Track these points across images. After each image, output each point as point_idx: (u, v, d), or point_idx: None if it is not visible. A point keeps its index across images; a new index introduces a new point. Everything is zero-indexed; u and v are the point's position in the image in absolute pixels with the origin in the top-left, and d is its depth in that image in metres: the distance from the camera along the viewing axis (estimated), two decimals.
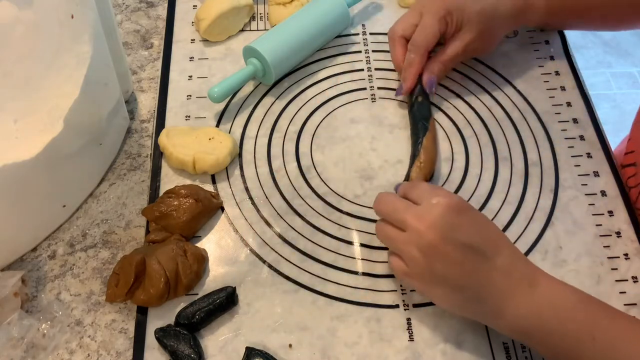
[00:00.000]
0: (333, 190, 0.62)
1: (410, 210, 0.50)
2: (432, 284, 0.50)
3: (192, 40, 0.75)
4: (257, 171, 0.64)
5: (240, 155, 0.65)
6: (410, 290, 0.56)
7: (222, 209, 0.61)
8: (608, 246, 0.59)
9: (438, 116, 0.68)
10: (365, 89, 0.70)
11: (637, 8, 0.66)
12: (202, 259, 0.56)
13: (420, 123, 0.64)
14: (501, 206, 0.61)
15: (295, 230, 0.60)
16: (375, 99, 0.70)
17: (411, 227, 0.49)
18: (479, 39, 0.65)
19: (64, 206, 0.61)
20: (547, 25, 0.72)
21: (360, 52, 0.74)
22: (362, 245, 0.59)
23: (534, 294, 0.48)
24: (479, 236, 0.49)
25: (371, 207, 0.61)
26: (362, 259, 0.58)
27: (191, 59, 0.73)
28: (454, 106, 0.69)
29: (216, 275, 0.57)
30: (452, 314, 0.54)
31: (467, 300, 0.49)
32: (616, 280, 0.57)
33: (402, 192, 0.54)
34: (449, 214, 0.49)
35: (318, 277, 0.57)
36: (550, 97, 0.70)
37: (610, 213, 0.61)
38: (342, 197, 0.62)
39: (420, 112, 0.65)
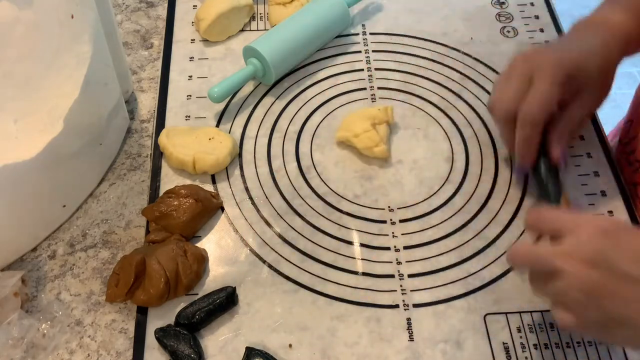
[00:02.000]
0: (333, 190, 0.62)
1: (556, 251, 0.43)
2: (610, 328, 0.42)
3: (192, 40, 0.74)
4: (257, 171, 0.64)
5: (240, 155, 0.65)
6: (411, 290, 0.56)
7: (222, 209, 0.61)
8: None
9: (438, 116, 0.68)
10: (365, 89, 0.70)
11: None
12: (202, 259, 0.56)
13: (552, 185, 0.57)
14: (501, 206, 0.61)
15: (295, 230, 0.60)
16: (375, 99, 0.70)
17: (563, 270, 0.42)
18: (601, 96, 0.58)
19: (64, 206, 0.61)
20: None
21: (360, 52, 0.74)
22: (362, 245, 0.59)
23: None
24: (632, 262, 0.41)
25: (371, 207, 0.61)
26: (362, 259, 0.58)
27: (191, 59, 0.73)
28: (454, 106, 0.69)
29: (216, 275, 0.57)
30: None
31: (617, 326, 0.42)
32: None
33: (533, 226, 0.47)
34: (601, 241, 0.42)
35: (318, 277, 0.57)
36: None
37: (610, 213, 0.61)
38: (342, 197, 0.62)
39: (550, 172, 0.57)
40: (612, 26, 0.57)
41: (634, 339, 0.43)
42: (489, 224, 0.60)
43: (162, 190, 0.61)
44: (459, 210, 0.61)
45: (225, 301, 0.54)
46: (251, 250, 0.58)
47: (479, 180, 0.63)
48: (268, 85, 0.70)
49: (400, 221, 0.60)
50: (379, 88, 0.70)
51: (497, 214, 0.61)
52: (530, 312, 0.55)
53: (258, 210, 0.61)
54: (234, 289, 0.55)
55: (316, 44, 0.72)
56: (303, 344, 0.53)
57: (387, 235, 0.59)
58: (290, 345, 0.53)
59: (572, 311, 0.43)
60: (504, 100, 0.55)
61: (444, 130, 0.67)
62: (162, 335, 0.52)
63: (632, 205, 0.61)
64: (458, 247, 0.59)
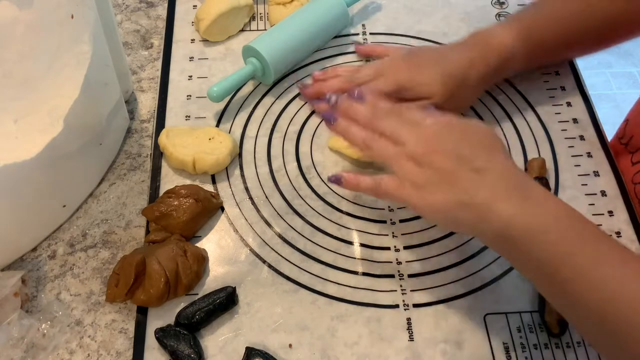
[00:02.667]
0: (333, 190, 0.62)
1: (407, 126, 0.51)
2: (423, 192, 0.48)
3: (192, 40, 0.75)
4: (257, 171, 0.64)
5: (240, 155, 0.65)
6: (411, 290, 0.56)
7: (222, 209, 0.61)
8: None
9: None
10: None
11: (614, 26, 0.65)
12: (202, 259, 0.56)
13: None
14: None
15: (295, 230, 0.60)
16: None
17: (406, 140, 0.50)
18: (447, 105, 0.61)
19: (64, 206, 0.61)
20: (526, 69, 0.68)
21: None
22: (362, 245, 0.59)
23: (524, 202, 0.46)
24: (468, 145, 0.49)
25: (371, 207, 0.61)
26: (362, 259, 0.58)
27: (191, 59, 0.73)
28: None
29: (216, 275, 0.57)
30: (443, 226, 0.53)
31: (456, 204, 0.47)
32: None
33: (393, 112, 0.53)
34: (442, 129, 0.50)
35: (318, 277, 0.57)
36: (550, 97, 0.70)
37: (610, 213, 0.61)
38: (342, 197, 0.62)
39: None
40: (499, 45, 0.61)
41: (438, 203, 0.48)
42: None
43: (162, 190, 0.61)
44: None
45: (225, 301, 0.54)
46: (251, 250, 0.58)
47: None
48: (268, 85, 0.70)
49: (400, 221, 0.60)
50: None
51: None
52: (530, 312, 0.55)
53: (258, 210, 0.61)
54: (234, 289, 0.55)
55: (315, 44, 0.72)
56: (303, 344, 0.53)
57: (387, 235, 0.59)
58: (290, 345, 0.53)
59: (398, 176, 0.50)
60: (347, 69, 0.66)
61: None
62: (162, 335, 0.52)
63: (631, 206, 0.61)
64: (458, 247, 0.59)
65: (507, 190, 0.46)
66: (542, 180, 0.61)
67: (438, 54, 0.63)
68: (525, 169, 0.63)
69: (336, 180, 0.54)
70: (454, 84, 0.60)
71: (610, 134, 0.68)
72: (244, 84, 0.69)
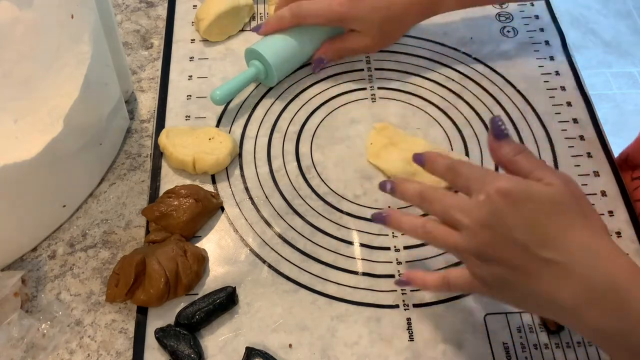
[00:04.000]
0: (333, 190, 0.62)
1: (459, 203, 0.44)
2: (495, 292, 0.44)
3: (192, 40, 0.75)
4: (257, 171, 0.64)
5: (240, 155, 0.65)
6: (411, 290, 0.56)
7: (222, 209, 0.61)
8: None
9: (438, 115, 0.68)
10: (365, 89, 0.70)
11: None
12: (202, 259, 0.56)
13: None
14: None
15: (295, 230, 0.60)
16: (375, 99, 0.70)
17: (461, 225, 0.43)
18: (379, 40, 0.68)
19: (64, 206, 0.61)
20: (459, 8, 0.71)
21: None
22: (362, 245, 0.59)
23: (613, 310, 0.39)
24: (535, 225, 0.41)
25: (371, 207, 0.61)
26: (362, 259, 0.58)
27: (191, 59, 0.73)
28: (454, 106, 0.69)
29: (216, 275, 0.57)
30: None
31: (538, 307, 0.43)
32: None
33: (449, 179, 0.47)
34: (499, 209, 0.41)
35: (318, 277, 0.57)
36: (550, 97, 0.70)
37: (611, 213, 0.61)
38: (342, 197, 0.62)
39: None
40: None
41: (521, 301, 0.44)
42: None
43: (162, 190, 0.61)
44: None
45: (225, 301, 0.54)
46: (251, 250, 0.58)
47: None
48: (269, 86, 0.70)
49: None
50: (379, 88, 0.70)
51: None
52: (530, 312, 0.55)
53: (258, 210, 0.61)
54: (234, 289, 0.55)
55: (317, 45, 0.72)
56: (303, 344, 0.53)
57: (387, 235, 0.59)
58: (290, 345, 0.53)
59: (467, 265, 0.45)
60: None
61: (444, 130, 0.67)
62: (162, 335, 0.52)
63: (631, 205, 0.61)
64: None
65: (593, 289, 0.40)
66: None
67: None
68: None
69: (404, 282, 0.50)
70: (388, 24, 0.65)
71: (610, 134, 0.68)
72: (246, 86, 0.69)
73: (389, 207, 0.60)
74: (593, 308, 0.40)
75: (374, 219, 0.51)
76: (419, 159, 0.50)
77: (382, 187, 0.51)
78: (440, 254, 0.58)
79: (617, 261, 0.41)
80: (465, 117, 0.68)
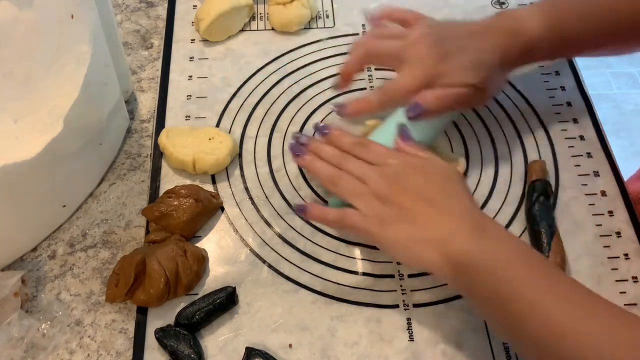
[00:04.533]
0: None
1: (371, 166, 0.53)
2: (385, 227, 0.50)
3: (192, 40, 0.75)
4: (257, 171, 0.64)
5: (240, 155, 0.65)
6: (411, 290, 0.56)
7: (222, 209, 0.61)
8: (608, 246, 0.59)
9: None
10: (365, 89, 0.70)
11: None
12: (202, 259, 0.56)
13: (544, 224, 0.58)
14: (501, 206, 0.61)
15: (295, 230, 0.60)
16: None
17: (370, 179, 0.52)
18: (477, 93, 0.59)
19: (64, 206, 0.61)
20: (550, 59, 0.67)
21: None
22: (362, 245, 0.59)
23: (482, 240, 0.47)
24: (430, 184, 0.50)
25: None
26: (362, 259, 0.58)
27: (191, 59, 0.73)
28: None
29: (216, 275, 0.57)
30: (404, 261, 0.53)
31: (417, 240, 0.48)
32: (616, 281, 0.57)
33: (357, 153, 0.55)
34: (405, 169, 0.52)
35: (318, 277, 0.57)
36: (550, 97, 0.70)
37: (610, 213, 0.61)
38: None
39: (542, 213, 0.59)
40: (528, 32, 0.59)
41: (399, 238, 0.49)
42: None
43: (162, 190, 0.61)
44: None
45: (225, 301, 0.54)
46: (251, 250, 0.58)
47: (478, 181, 0.63)
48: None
49: None
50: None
51: (497, 213, 0.61)
52: None
53: (258, 210, 0.61)
54: (234, 289, 0.55)
55: (423, 138, 0.61)
56: (303, 344, 0.53)
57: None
58: (290, 345, 0.53)
59: (361, 211, 0.51)
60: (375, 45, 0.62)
61: (444, 130, 0.67)
62: (162, 335, 0.52)
63: (631, 205, 0.61)
64: None
65: (465, 228, 0.47)
66: (543, 183, 0.61)
67: (467, 39, 0.59)
68: (526, 172, 0.63)
69: (302, 209, 0.54)
70: (485, 71, 0.58)
71: (610, 134, 0.68)
72: None
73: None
74: (462, 238, 0.47)
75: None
76: (321, 130, 0.58)
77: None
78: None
79: (486, 215, 0.50)
80: (465, 117, 0.68)
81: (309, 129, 0.67)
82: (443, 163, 0.53)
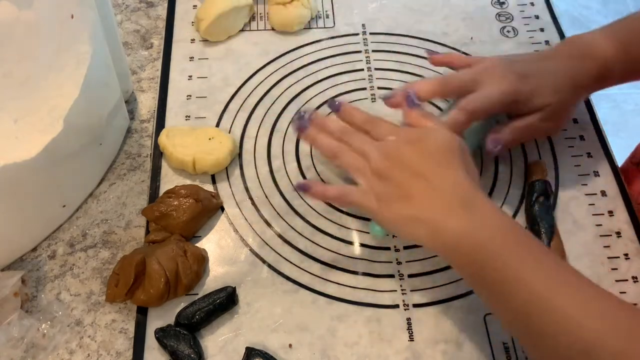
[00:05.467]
0: None
1: (373, 141, 0.53)
2: (383, 204, 0.50)
3: (192, 40, 0.75)
4: (257, 171, 0.64)
5: (240, 155, 0.65)
6: (411, 290, 0.56)
7: (222, 209, 0.61)
8: (608, 246, 0.59)
9: (438, 116, 0.68)
10: (365, 89, 0.70)
11: None
12: (202, 259, 0.56)
13: (544, 224, 0.58)
14: (501, 206, 0.61)
15: (295, 230, 0.60)
16: (375, 99, 0.70)
17: (370, 154, 0.52)
18: (552, 118, 0.58)
19: (64, 206, 0.61)
20: (621, 83, 0.62)
21: (360, 52, 0.74)
22: (362, 245, 0.59)
23: (472, 218, 0.47)
24: (425, 159, 0.50)
25: None
26: (362, 259, 0.58)
27: (191, 59, 0.73)
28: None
29: (216, 275, 0.57)
30: (403, 237, 0.54)
31: (411, 219, 0.49)
32: (616, 280, 0.57)
33: (367, 129, 0.55)
34: (403, 144, 0.52)
35: (318, 277, 0.57)
36: None
37: (610, 213, 0.61)
38: None
39: (542, 213, 0.59)
40: (601, 55, 0.58)
41: (395, 215, 0.50)
42: None
43: (162, 190, 0.61)
44: None
45: (225, 301, 0.54)
46: (251, 250, 0.58)
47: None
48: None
49: None
50: (379, 88, 0.70)
51: None
52: None
53: (258, 210, 0.61)
54: (234, 289, 0.55)
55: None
56: (303, 344, 0.53)
57: (387, 235, 0.59)
58: (290, 345, 0.53)
59: (365, 182, 0.52)
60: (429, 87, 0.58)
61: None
62: (162, 335, 0.52)
63: (631, 205, 0.61)
64: None
65: (456, 206, 0.48)
66: (543, 183, 0.61)
67: (540, 63, 0.59)
68: (526, 172, 0.63)
69: (303, 187, 0.54)
70: (565, 94, 0.57)
71: (610, 133, 0.68)
72: None
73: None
74: (453, 217, 0.47)
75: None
76: (333, 104, 0.58)
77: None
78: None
79: (477, 189, 0.49)
80: None
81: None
82: (443, 133, 0.52)
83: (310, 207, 0.61)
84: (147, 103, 0.71)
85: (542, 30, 0.76)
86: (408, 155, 0.51)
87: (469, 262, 0.47)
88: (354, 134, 0.55)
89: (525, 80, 0.57)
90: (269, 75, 0.71)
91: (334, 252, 0.58)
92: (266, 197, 0.62)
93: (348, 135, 0.55)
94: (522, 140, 0.62)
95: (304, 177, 0.63)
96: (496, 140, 0.57)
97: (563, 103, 0.58)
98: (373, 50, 0.74)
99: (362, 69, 0.72)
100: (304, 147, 0.65)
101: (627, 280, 0.57)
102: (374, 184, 0.51)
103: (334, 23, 0.77)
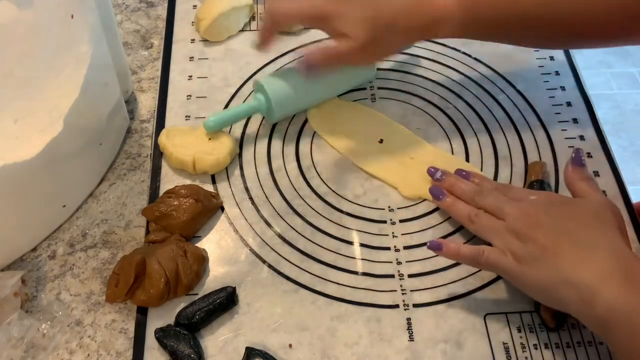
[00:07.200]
0: (333, 190, 0.62)
1: (509, 202, 0.53)
2: (525, 266, 0.48)
3: (192, 40, 0.75)
4: (257, 171, 0.64)
5: (240, 155, 0.65)
6: (411, 290, 0.56)
7: (222, 209, 0.61)
8: None
9: (438, 116, 0.68)
10: (365, 89, 0.70)
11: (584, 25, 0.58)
12: (202, 259, 0.56)
13: None
14: None
15: (295, 230, 0.60)
16: (375, 99, 0.70)
17: (508, 214, 0.51)
18: (369, 47, 0.57)
19: (64, 206, 0.61)
20: (462, 38, 0.62)
21: None
22: (362, 245, 0.59)
23: (629, 287, 0.44)
24: (573, 220, 0.49)
25: (371, 207, 0.61)
26: (362, 259, 0.58)
27: (191, 59, 0.73)
28: (454, 106, 0.69)
29: (216, 275, 0.57)
30: (544, 302, 0.51)
31: (560, 282, 0.46)
32: None
33: (498, 190, 0.56)
34: (545, 205, 0.51)
35: (318, 277, 0.57)
36: (550, 97, 0.70)
37: None
38: (342, 197, 0.62)
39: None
40: (438, 5, 0.57)
41: (540, 279, 0.48)
42: None
43: (162, 190, 0.61)
44: None
45: (225, 301, 0.54)
46: (251, 250, 0.58)
47: None
48: (271, 123, 0.67)
49: (400, 221, 0.60)
50: (379, 88, 0.70)
51: None
52: (530, 312, 0.55)
53: (258, 210, 0.61)
54: (234, 289, 0.55)
55: (331, 92, 0.68)
56: (303, 344, 0.53)
57: (387, 235, 0.59)
58: (290, 345, 0.53)
59: (501, 249, 0.51)
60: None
61: (444, 130, 0.67)
62: (162, 335, 0.52)
63: (631, 205, 0.61)
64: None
65: (612, 272, 0.45)
66: (543, 183, 0.61)
67: None
68: (526, 172, 0.63)
69: (436, 247, 0.54)
70: (378, 30, 0.56)
71: (610, 133, 0.68)
72: (245, 118, 0.67)
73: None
74: (609, 284, 0.44)
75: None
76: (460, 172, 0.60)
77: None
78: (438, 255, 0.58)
79: (636, 260, 0.47)
80: (465, 117, 0.68)
81: (309, 128, 0.67)
82: (598, 197, 0.51)
83: (310, 207, 0.61)
84: (147, 103, 0.71)
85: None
86: (555, 214, 0.49)
87: (621, 337, 0.44)
88: (490, 194, 0.55)
89: (346, 5, 0.56)
90: None
91: (334, 252, 0.58)
92: (266, 197, 0.62)
93: (481, 195, 0.55)
94: (334, 63, 0.61)
95: (304, 177, 0.63)
96: (307, 61, 0.59)
97: (377, 36, 0.56)
98: None
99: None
100: (304, 147, 0.66)
101: None
102: (512, 243, 0.49)
103: None
